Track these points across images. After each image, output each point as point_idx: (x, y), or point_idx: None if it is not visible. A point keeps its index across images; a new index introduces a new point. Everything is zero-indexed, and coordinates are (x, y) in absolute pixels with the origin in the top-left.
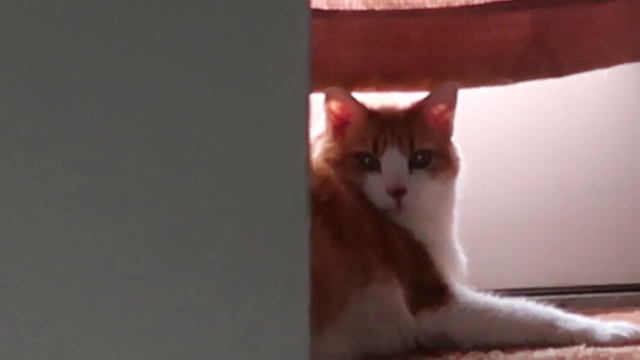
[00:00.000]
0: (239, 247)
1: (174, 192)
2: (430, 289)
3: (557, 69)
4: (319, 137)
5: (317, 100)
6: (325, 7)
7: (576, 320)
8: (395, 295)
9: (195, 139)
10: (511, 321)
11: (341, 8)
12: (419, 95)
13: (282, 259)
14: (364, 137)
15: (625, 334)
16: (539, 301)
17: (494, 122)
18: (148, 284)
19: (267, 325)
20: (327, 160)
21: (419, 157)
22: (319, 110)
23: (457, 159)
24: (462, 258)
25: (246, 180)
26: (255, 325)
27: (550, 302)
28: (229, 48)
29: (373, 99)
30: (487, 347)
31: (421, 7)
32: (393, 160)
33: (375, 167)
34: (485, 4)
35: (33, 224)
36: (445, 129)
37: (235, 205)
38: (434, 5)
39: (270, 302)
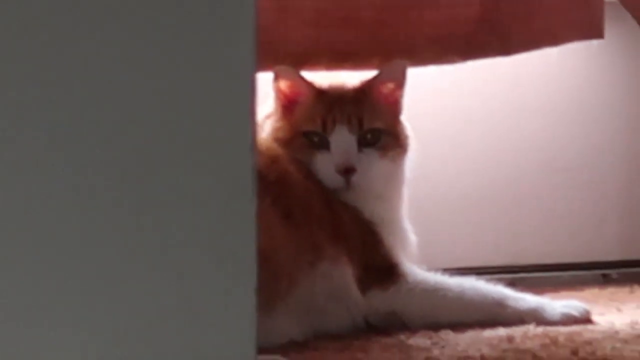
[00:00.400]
0: (184, 226)
1: (118, 169)
2: (379, 268)
3: (506, 48)
4: (267, 117)
5: (266, 79)
6: None
7: (526, 299)
8: (345, 274)
9: (140, 117)
10: (461, 300)
11: None
12: (369, 74)
13: (228, 239)
14: (313, 115)
15: (575, 312)
16: (488, 280)
17: (444, 101)
18: (93, 262)
19: (213, 305)
20: (276, 140)
21: (368, 136)
22: (268, 89)
23: (407, 138)
24: (412, 237)
25: (191, 158)
26: (201, 305)
27: (500, 281)
28: (173, 25)
29: (322, 78)
30: (437, 326)
31: None
32: (342, 139)
33: (324, 146)
34: None
35: None
36: (394, 107)
37: (181, 184)
38: None
39: (217, 282)
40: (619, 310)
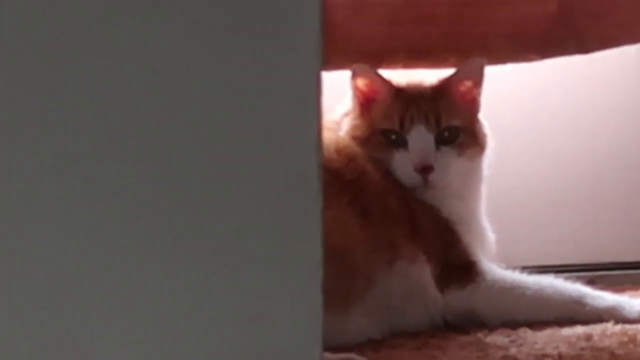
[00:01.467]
0: (250, 226)
1: (184, 171)
2: (457, 267)
3: (583, 45)
4: (345, 115)
5: (343, 77)
6: None
7: (604, 297)
8: (422, 272)
9: (205, 117)
10: (539, 298)
11: None
12: (446, 72)
13: (293, 238)
14: (391, 114)
15: None
16: (567, 278)
17: (522, 98)
18: (158, 265)
19: (279, 305)
20: (354, 138)
21: (446, 134)
22: (346, 87)
23: (484, 136)
24: (490, 235)
25: (257, 159)
26: (267, 306)
27: (579, 279)
28: (237, 25)
29: (399, 76)
30: (514, 324)
31: None
32: (420, 137)
33: (402, 144)
34: None
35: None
36: (472, 105)
37: (246, 184)
38: None
39: (283, 283)
40: None
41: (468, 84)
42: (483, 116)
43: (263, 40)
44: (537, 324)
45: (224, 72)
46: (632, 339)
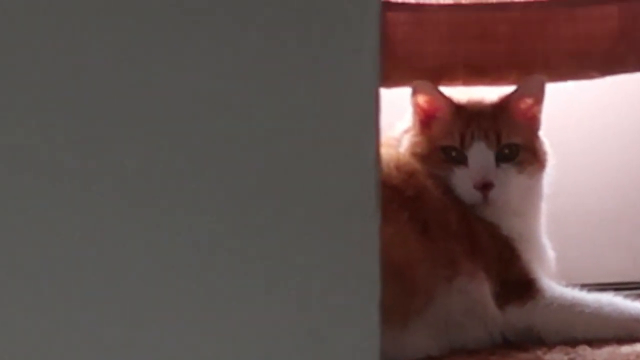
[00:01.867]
0: (308, 242)
1: (244, 187)
2: (517, 284)
3: None
4: (406, 131)
5: (404, 94)
6: (412, 1)
7: None
8: (482, 289)
9: (264, 134)
10: (598, 316)
11: (427, 1)
12: (506, 89)
13: (352, 255)
14: (451, 130)
15: None
16: (627, 296)
17: (583, 116)
18: (217, 280)
19: (337, 322)
20: (414, 155)
21: (506, 151)
22: (407, 104)
23: (545, 153)
24: (550, 252)
25: (315, 175)
26: (325, 322)
27: (639, 297)
28: (298, 42)
29: (460, 93)
30: (574, 342)
31: (508, 0)
32: (480, 154)
33: (462, 161)
34: None
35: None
36: (532, 122)
37: (305, 200)
38: None
39: (341, 299)
40: None
41: (529, 101)
42: (544, 134)
43: (322, 57)
44: (596, 342)
45: (283, 90)
46: None
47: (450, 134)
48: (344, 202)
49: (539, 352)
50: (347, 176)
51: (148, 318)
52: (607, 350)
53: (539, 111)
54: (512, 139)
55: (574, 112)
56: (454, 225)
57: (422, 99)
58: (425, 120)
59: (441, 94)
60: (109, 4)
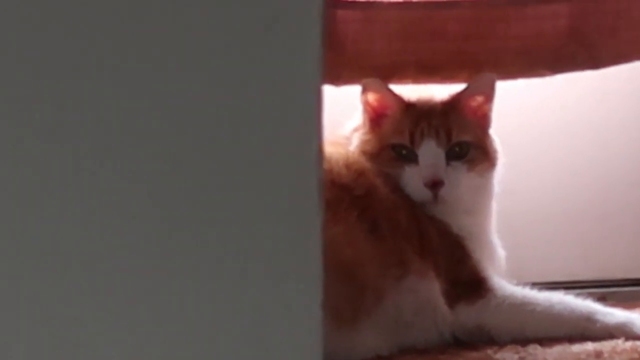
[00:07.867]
0: (248, 241)
1: (182, 185)
2: (467, 283)
3: (595, 61)
4: (355, 130)
5: (353, 92)
6: None
7: (615, 314)
8: (432, 288)
9: (204, 131)
10: (549, 315)
11: None
12: (457, 87)
13: (293, 254)
14: (401, 128)
15: None
16: (578, 295)
17: (533, 114)
18: (154, 279)
19: (278, 322)
20: (364, 153)
21: (457, 149)
22: (356, 102)
23: (495, 152)
24: (500, 251)
25: (256, 173)
26: (265, 322)
27: (590, 295)
28: (238, 38)
29: (410, 91)
30: (524, 341)
31: None
32: (430, 152)
33: (412, 159)
34: None
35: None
36: (483, 121)
37: (245, 198)
38: None
39: (282, 298)
40: None
41: (479, 99)
42: (494, 132)
43: (263, 53)
44: (547, 341)
45: (224, 87)
46: None
47: (401, 132)
48: (285, 200)
49: (490, 351)
50: (289, 174)
51: (76, 315)
52: (557, 349)
53: (490, 109)
54: (462, 137)
55: (524, 111)
56: (403, 224)
57: (372, 97)
58: (375, 119)
59: (391, 92)
60: None
